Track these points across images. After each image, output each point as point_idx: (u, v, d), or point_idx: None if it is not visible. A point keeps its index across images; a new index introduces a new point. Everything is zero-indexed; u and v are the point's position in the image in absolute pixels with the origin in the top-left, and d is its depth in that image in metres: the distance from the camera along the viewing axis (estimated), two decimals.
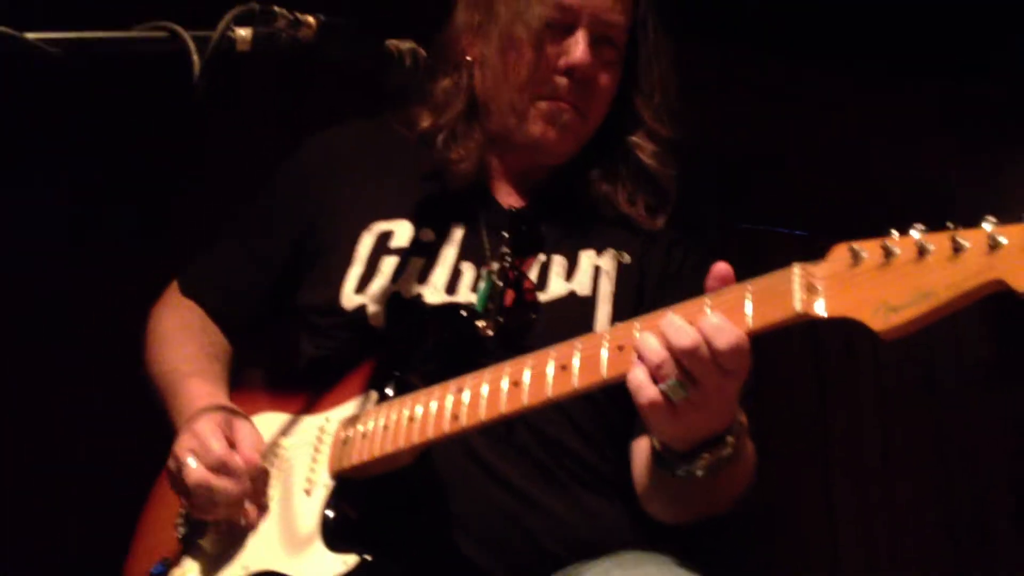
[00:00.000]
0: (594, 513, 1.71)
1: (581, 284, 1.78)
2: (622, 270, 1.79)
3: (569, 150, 1.83)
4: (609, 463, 1.72)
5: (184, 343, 1.88)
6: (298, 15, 1.47)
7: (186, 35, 1.42)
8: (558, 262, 1.80)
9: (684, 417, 1.36)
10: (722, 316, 1.32)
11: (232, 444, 1.63)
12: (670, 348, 1.32)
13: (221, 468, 1.61)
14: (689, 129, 1.85)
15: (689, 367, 1.32)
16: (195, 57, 1.41)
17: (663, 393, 1.34)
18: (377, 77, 1.61)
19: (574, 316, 1.73)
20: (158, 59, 1.42)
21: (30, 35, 1.36)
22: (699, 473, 1.43)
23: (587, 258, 1.80)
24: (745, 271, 1.37)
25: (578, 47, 1.76)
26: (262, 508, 1.64)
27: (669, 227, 1.85)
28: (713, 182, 3.03)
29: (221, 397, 1.77)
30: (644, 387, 1.35)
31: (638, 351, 1.35)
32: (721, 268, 1.37)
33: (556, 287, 1.78)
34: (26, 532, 2.59)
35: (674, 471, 1.45)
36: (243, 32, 1.46)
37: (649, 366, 1.34)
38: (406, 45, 1.60)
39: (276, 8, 1.45)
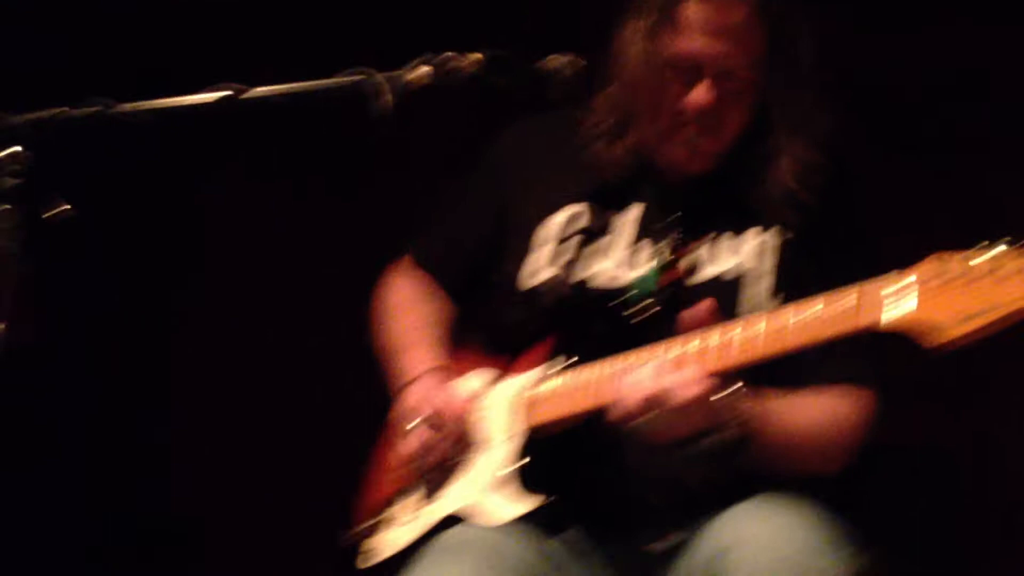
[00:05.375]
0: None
1: (744, 259, 1.95)
2: (781, 246, 1.95)
3: (706, 166, 1.98)
4: None
5: (407, 315, 2.20)
6: (462, 57, 1.73)
7: (380, 76, 1.73)
8: (722, 240, 1.97)
9: (661, 436, 1.73)
10: (692, 370, 1.65)
11: (443, 406, 1.95)
12: (643, 395, 1.68)
13: (434, 421, 1.93)
14: None
15: (655, 407, 1.68)
16: (388, 96, 1.72)
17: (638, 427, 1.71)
18: (541, 96, 1.84)
19: (730, 291, 1.92)
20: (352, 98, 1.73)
21: (256, 90, 1.72)
22: (694, 458, 1.74)
23: (751, 235, 1.97)
24: None
25: (699, 90, 1.89)
26: (468, 453, 1.95)
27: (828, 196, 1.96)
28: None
29: (438, 360, 2.08)
30: (623, 423, 1.72)
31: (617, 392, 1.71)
32: (704, 306, 1.71)
33: (719, 264, 1.96)
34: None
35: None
36: (423, 69, 1.75)
37: (624, 405, 1.71)
38: (564, 59, 1.79)
39: (444, 55, 1.72)
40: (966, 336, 1.37)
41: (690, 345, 1.70)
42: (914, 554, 2.56)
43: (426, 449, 1.95)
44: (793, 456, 1.83)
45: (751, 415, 1.75)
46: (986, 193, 2.64)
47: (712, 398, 1.69)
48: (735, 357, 1.65)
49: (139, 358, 3.17)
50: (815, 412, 1.86)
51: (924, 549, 2.62)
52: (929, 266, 1.44)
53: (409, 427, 1.96)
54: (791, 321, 1.58)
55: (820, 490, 1.89)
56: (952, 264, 1.41)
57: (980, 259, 1.38)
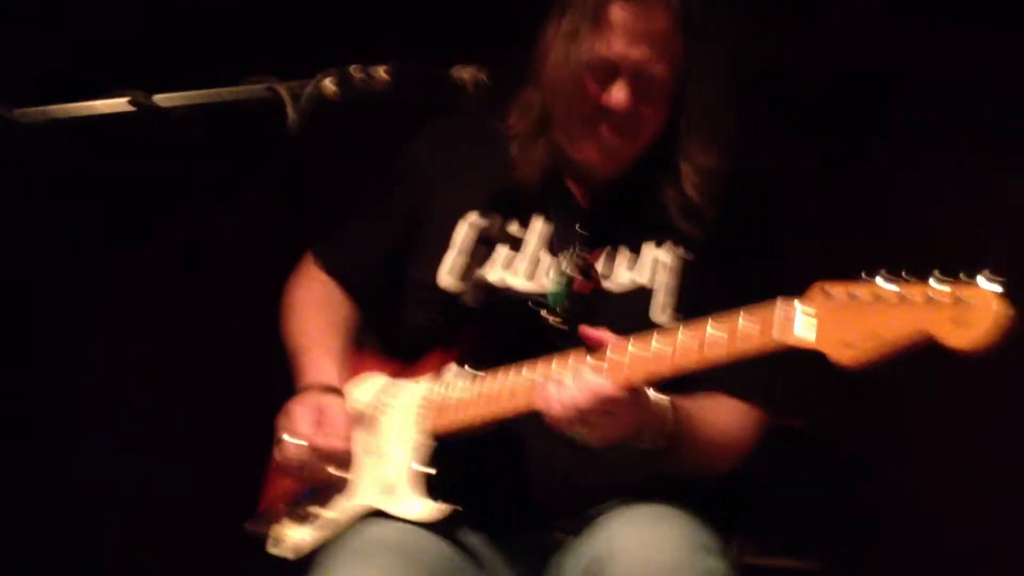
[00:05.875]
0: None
1: (641, 274, 2.00)
2: (680, 262, 2.00)
3: (619, 167, 2.02)
4: None
5: (310, 317, 2.20)
6: (370, 70, 1.74)
7: (285, 87, 1.74)
8: (623, 253, 2.02)
9: (591, 440, 1.77)
10: (601, 377, 1.72)
11: (320, 424, 1.97)
12: (562, 403, 1.74)
13: (306, 448, 1.95)
14: None
15: (580, 417, 1.73)
16: (289, 109, 1.73)
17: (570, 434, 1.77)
18: (450, 106, 1.86)
19: (634, 305, 1.98)
20: (259, 108, 1.73)
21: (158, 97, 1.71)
22: (618, 457, 1.82)
23: (648, 250, 2.02)
24: None
25: (617, 92, 1.93)
26: (342, 472, 1.98)
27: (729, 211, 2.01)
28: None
29: (329, 373, 2.09)
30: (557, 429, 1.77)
31: (544, 400, 1.76)
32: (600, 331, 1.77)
33: (621, 277, 2.01)
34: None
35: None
36: (330, 81, 1.76)
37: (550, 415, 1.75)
38: (467, 73, 1.83)
39: (351, 68, 1.72)
40: (852, 363, 1.42)
41: (611, 356, 1.75)
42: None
43: (299, 465, 1.98)
44: (701, 459, 1.89)
45: (677, 419, 1.81)
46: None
47: (643, 404, 1.75)
48: (652, 368, 1.72)
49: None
50: (720, 418, 1.92)
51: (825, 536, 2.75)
52: (816, 294, 1.49)
53: (284, 438, 1.98)
54: (708, 334, 1.65)
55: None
56: (836, 293, 1.46)
57: (862, 289, 1.43)
